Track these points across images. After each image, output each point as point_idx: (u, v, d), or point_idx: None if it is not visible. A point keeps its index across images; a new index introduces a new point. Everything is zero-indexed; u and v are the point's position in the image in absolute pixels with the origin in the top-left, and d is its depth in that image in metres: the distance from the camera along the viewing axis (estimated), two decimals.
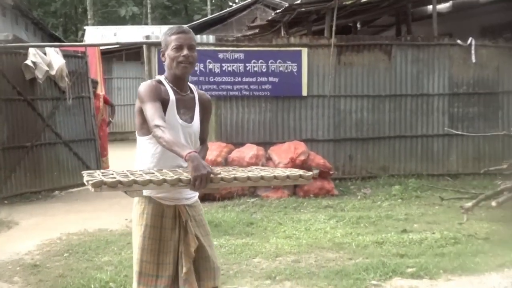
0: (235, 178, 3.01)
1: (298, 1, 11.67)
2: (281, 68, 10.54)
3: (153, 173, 3.03)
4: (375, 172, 11.04)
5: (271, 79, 10.52)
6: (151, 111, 3.11)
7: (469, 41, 11.35)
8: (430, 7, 13.85)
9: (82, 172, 3.23)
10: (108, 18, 42.18)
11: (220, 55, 10.39)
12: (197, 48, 10.92)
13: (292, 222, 7.94)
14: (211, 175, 2.85)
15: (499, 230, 7.42)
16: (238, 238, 7.24)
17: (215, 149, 9.80)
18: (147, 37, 10.69)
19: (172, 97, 3.28)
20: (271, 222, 7.97)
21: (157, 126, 3.04)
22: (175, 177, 2.88)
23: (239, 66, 10.42)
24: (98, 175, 2.99)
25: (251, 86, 10.52)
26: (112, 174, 3.07)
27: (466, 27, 13.71)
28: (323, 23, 12.23)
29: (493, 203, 8.12)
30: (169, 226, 3.28)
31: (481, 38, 11.69)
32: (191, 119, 3.35)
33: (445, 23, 12.78)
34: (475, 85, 11.49)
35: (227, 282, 5.52)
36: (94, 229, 7.91)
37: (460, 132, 10.98)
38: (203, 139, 3.54)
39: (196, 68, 10.19)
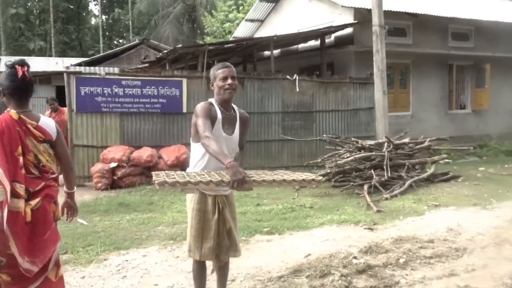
0: (263, 180, 2.97)
1: (179, 45, 11.89)
2: (168, 93, 10.59)
3: (203, 175, 3.01)
4: None
5: (160, 100, 10.55)
6: (203, 125, 3.14)
7: (294, 77, 12.07)
8: (267, 52, 14.64)
9: (152, 172, 3.24)
10: (17, 50, 39.36)
11: (123, 82, 10.22)
12: (106, 76, 10.61)
13: (180, 201, 7.96)
14: (246, 178, 2.86)
15: (319, 201, 8.06)
16: (144, 213, 7.28)
17: (120, 150, 9.64)
18: (67, 67, 10.31)
19: (219, 116, 3.29)
20: (166, 202, 8.07)
21: (207, 137, 3.08)
22: (219, 179, 2.87)
23: (137, 90, 10.32)
24: (162, 175, 2.99)
25: (146, 105, 10.46)
26: (173, 175, 3.01)
27: (290, 67, 14.66)
28: (196, 60, 12.52)
29: (314, 185, 8.88)
30: (210, 210, 3.33)
31: (301, 75, 12.42)
32: (232, 132, 3.36)
33: (276, 63, 13.52)
34: (299, 106, 12.11)
35: (142, 244, 5.61)
36: None
37: (289, 138, 11.73)
38: (241, 146, 3.51)
39: (104, 91, 10.08)
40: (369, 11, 11.54)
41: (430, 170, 9.66)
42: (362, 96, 12.89)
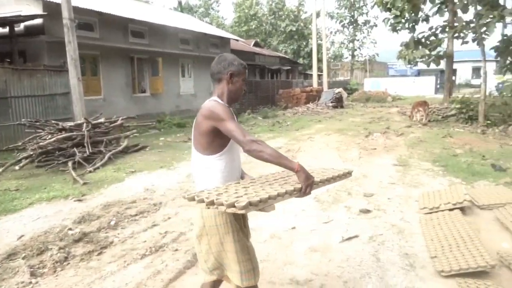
0: (320, 181, 2.29)
1: None
2: None
3: (260, 187, 2.12)
4: None
5: None
6: (239, 129, 2.09)
7: None
8: None
9: (193, 195, 1.96)
10: None
11: None
12: None
13: None
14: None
15: (24, 183, 6.82)
16: None
17: None
18: None
19: (234, 116, 2.23)
20: None
21: (253, 141, 2.06)
22: (292, 188, 2.07)
23: None
24: (214, 194, 1.94)
25: None
26: (225, 189, 2.03)
27: None
28: None
29: (17, 167, 7.59)
30: (242, 226, 2.33)
31: None
32: None
33: None
34: None
35: None
36: None
37: None
38: None
39: None
40: (58, 4, 10.32)
41: (124, 143, 9.58)
42: (57, 82, 11.57)
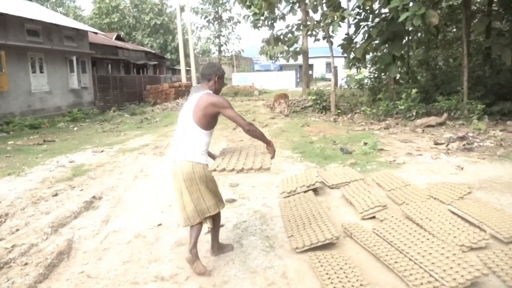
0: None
1: None
2: None
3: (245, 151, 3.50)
4: None
5: None
6: (238, 115, 3.06)
7: None
8: None
9: (224, 168, 2.99)
10: None
11: None
12: None
13: None
14: None
15: None
16: None
17: None
18: None
19: None
20: None
21: (250, 123, 3.08)
22: (270, 154, 3.26)
23: None
24: (233, 163, 3.05)
25: None
26: (236, 163, 3.07)
27: None
28: None
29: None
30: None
31: None
32: None
33: None
34: None
35: None
36: None
37: None
38: None
39: None
40: None
41: None
42: None
